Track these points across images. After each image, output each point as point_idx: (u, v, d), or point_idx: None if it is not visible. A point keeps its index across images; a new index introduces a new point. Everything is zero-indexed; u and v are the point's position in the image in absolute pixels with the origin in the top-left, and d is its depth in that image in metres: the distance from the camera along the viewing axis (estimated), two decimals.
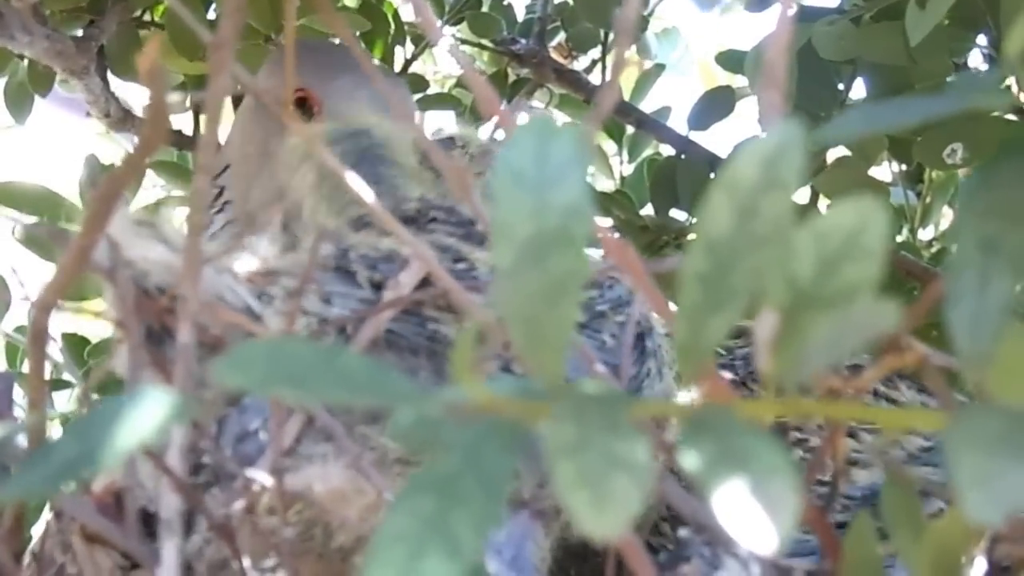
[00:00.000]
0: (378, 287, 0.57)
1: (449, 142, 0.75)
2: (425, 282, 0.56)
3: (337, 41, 1.01)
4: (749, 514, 0.29)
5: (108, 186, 0.46)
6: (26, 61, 1.06)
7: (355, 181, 0.48)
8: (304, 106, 0.83)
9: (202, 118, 1.08)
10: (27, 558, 0.68)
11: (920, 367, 0.39)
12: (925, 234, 1.18)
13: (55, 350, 1.09)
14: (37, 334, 0.50)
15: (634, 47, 1.35)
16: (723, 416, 0.31)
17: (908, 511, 0.41)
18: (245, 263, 0.59)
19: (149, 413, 0.34)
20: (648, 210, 1.16)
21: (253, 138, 0.85)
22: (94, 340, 1.10)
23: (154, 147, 0.44)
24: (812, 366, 0.32)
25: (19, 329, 1.10)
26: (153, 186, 1.23)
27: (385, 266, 0.58)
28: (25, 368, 0.55)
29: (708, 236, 0.31)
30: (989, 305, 0.33)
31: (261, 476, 0.51)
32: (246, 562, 0.50)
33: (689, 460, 0.30)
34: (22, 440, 0.54)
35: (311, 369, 0.32)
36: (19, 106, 1.11)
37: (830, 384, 0.38)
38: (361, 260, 0.59)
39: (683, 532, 0.49)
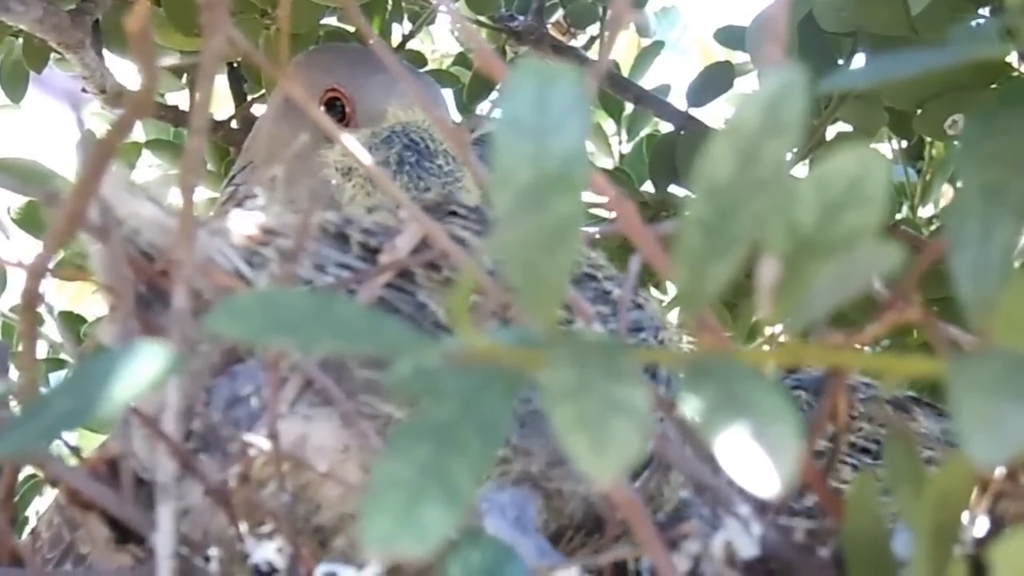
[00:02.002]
0: (372, 255, 0.57)
1: None
2: (422, 248, 0.56)
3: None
4: (751, 458, 0.29)
5: (99, 149, 0.45)
6: (21, 39, 1.06)
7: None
8: (336, 106, 0.83)
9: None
10: (28, 536, 0.68)
11: (921, 323, 0.39)
12: (925, 211, 1.18)
13: (53, 329, 1.08)
14: (29, 299, 0.49)
15: (633, 25, 1.35)
16: (724, 363, 0.31)
17: (910, 467, 0.40)
18: (240, 223, 0.58)
19: (143, 366, 0.34)
20: (648, 187, 1.16)
21: (282, 140, 0.85)
22: (91, 319, 1.09)
23: (144, 109, 0.44)
24: (814, 312, 0.31)
25: (16, 308, 1.10)
26: (149, 166, 1.22)
27: (382, 236, 0.58)
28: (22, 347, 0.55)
29: (709, 181, 0.31)
30: (992, 252, 0.33)
31: (256, 439, 0.51)
32: (242, 527, 0.50)
33: (691, 406, 0.30)
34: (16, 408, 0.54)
35: (308, 318, 0.32)
36: (15, 85, 1.11)
37: (833, 340, 0.37)
38: (358, 230, 0.58)
39: (683, 493, 0.48)
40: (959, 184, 0.36)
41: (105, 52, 1.05)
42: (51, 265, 0.51)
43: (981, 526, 0.42)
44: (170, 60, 0.97)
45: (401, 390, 0.33)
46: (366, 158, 0.47)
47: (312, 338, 0.31)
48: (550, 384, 0.30)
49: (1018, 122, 0.34)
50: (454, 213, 0.62)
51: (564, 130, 0.31)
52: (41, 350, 1.15)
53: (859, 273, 0.31)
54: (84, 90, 1.04)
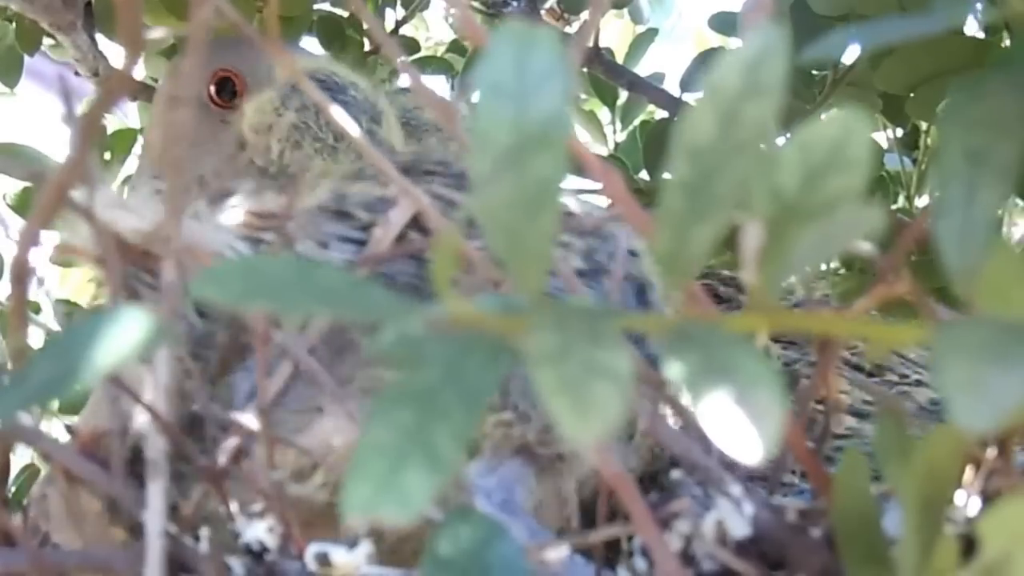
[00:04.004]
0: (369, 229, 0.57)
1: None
2: (415, 221, 0.56)
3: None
4: (734, 423, 0.29)
5: (85, 121, 0.45)
6: (14, 24, 1.05)
7: (351, 127, 0.48)
8: (227, 85, 0.82)
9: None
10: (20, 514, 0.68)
11: (910, 297, 0.39)
12: (921, 201, 1.18)
13: (48, 316, 1.08)
14: (19, 272, 0.49)
15: (627, 12, 1.35)
16: (707, 328, 0.31)
17: (900, 444, 0.40)
18: (235, 213, 0.58)
19: (127, 331, 0.33)
20: (643, 175, 1.16)
21: (177, 126, 0.84)
22: (85, 305, 1.09)
23: (128, 81, 0.44)
24: (796, 273, 0.31)
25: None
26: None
27: (379, 206, 0.58)
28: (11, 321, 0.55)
29: (691, 143, 0.31)
30: (976, 218, 0.33)
31: (248, 420, 0.51)
32: (233, 506, 0.50)
33: (674, 371, 0.30)
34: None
35: (290, 283, 0.32)
36: (10, 70, 1.11)
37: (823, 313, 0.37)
38: (357, 204, 0.59)
39: (675, 473, 0.48)
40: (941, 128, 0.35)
41: (98, 36, 1.05)
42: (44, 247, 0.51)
43: (973, 505, 0.42)
44: (158, 33, 0.97)
45: (384, 356, 0.33)
46: (354, 130, 0.47)
47: (293, 302, 0.31)
48: (533, 349, 0.29)
49: (1003, 86, 0.34)
50: (430, 172, 0.61)
51: (544, 92, 0.31)
52: (38, 338, 1.15)
53: (842, 236, 0.31)
54: (77, 73, 1.04)
